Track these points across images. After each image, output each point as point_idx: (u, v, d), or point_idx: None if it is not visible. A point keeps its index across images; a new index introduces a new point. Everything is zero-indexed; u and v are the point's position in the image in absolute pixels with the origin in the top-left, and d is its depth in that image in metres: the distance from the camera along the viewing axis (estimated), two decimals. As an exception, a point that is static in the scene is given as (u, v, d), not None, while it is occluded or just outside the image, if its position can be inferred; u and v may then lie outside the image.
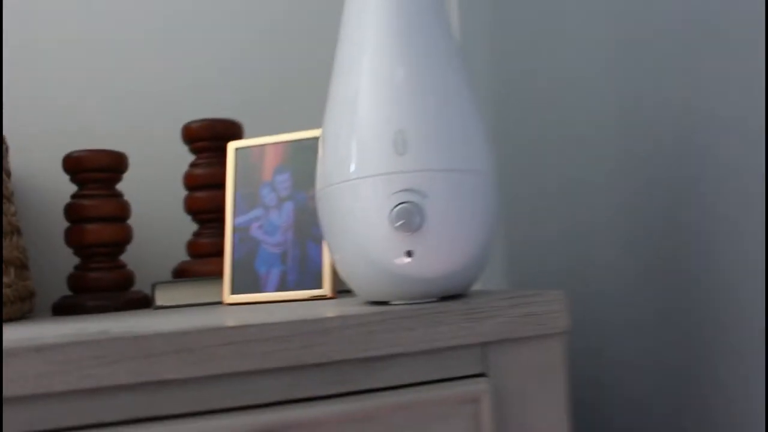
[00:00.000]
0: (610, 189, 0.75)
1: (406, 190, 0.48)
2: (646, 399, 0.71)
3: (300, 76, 1.10)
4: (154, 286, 0.77)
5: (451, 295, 0.53)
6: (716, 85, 0.60)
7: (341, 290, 0.78)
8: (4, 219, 0.73)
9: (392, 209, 0.48)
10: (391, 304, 0.53)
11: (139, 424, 0.43)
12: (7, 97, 0.95)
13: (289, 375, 0.46)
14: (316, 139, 0.74)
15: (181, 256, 0.85)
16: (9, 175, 0.79)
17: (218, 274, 0.79)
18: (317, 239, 0.71)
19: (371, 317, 0.47)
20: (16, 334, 0.50)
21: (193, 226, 0.84)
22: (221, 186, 0.82)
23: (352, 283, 0.55)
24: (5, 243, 0.72)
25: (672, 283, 0.66)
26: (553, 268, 0.89)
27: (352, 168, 0.50)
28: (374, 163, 0.49)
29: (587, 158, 0.79)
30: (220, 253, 0.81)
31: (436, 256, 0.49)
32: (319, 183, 0.54)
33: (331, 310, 0.52)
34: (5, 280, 0.71)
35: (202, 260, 0.82)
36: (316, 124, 0.90)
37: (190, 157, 0.83)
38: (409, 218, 0.47)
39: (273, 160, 0.75)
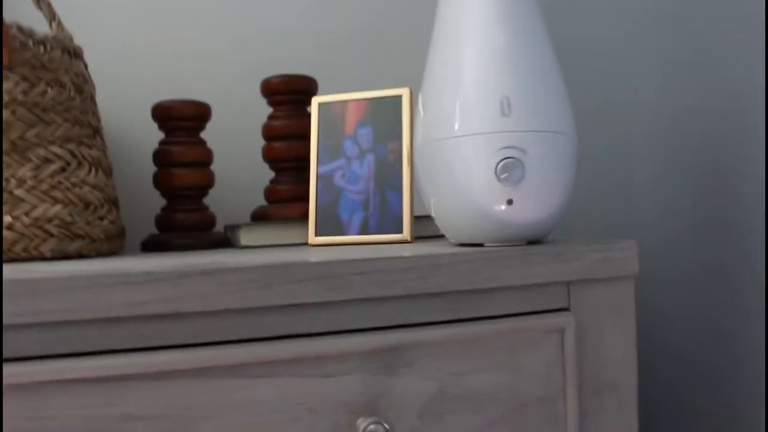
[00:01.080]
0: (654, 149, 0.82)
1: (510, 147, 0.55)
2: (689, 353, 0.79)
3: (376, 35, 1.17)
4: (234, 228, 0.85)
5: (535, 240, 0.61)
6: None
7: (418, 236, 0.85)
8: (105, 159, 0.80)
9: (498, 163, 0.55)
10: (486, 246, 0.60)
11: (285, 339, 0.51)
12: (101, 46, 1.01)
13: (409, 302, 0.54)
14: (396, 97, 0.81)
15: (259, 200, 0.92)
16: (99, 119, 0.86)
17: (296, 218, 0.87)
18: (396, 188, 0.78)
19: (476, 255, 0.55)
20: (141, 264, 0.58)
21: (270, 174, 0.91)
22: (298, 137, 0.89)
23: (448, 226, 0.62)
24: (108, 180, 0.80)
25: (719, 239, 0.73)
26: (601, 225, 0.97)
27: (458, 125, 0.57)
28: (482, 122, 0.56)
29: (633, 118, 0.86)
30: (296, 198, 0.89)
31: (532, 205, 0.56)
32: (422, 138, 0.61)
33: (438, 249, 0.60)
34: (109, 216, 0.78)
35: (279, 205, 0.89)
36: (387, 83, 0.96)
37: (269, 110, 0.90)
38: (513, 171, 0.55)
39: (355, 114, 0.82)
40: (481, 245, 0.61)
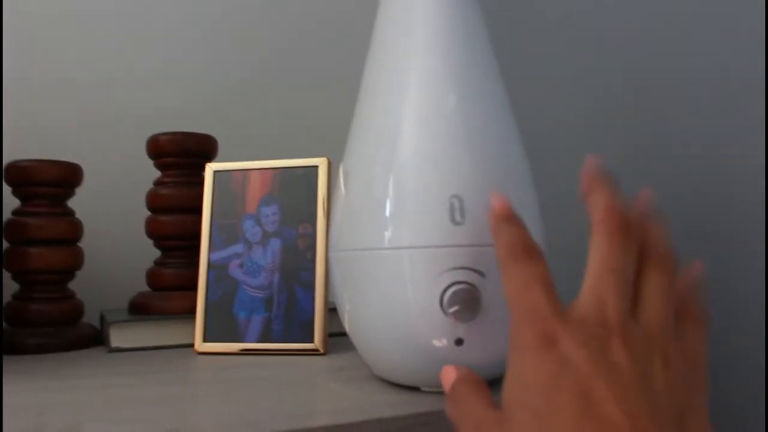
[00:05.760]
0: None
1: (462, 267, 0.40)
2: None
3: (289, 90, 1.01)
4: (105, 322, 0.67)
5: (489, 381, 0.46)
6: None
7: (332, 333, 0.68)
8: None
9: (444, 290, 0.40)
10: (423, 390, 0.45)
11: None
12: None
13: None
14: (310, 168, 0.65)
15: (138, 286, 0.75)
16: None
17: (184, 312, 0.69)
18: (307, 284, 0.62)
19: (413, 420, 0.39)
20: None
21: (153, 254, 0.74)
22: (190, 210, 0.72)
23: (371, 359, 0.47)
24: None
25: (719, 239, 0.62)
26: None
27: (391, 233, 0.42)
28: (424, 231, 0.41)
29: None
30: (185, 287, 0.71)
31: (489, 344, 0.41)
32: (341, 241, 0.46)
33: (355, 393, 0.44)
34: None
35: (163, 294, 0.72)
36: (307, 151, 0.80)
37: (155, 174, 0.73)
38: (466, 304, 0.39)
39: (259, 188, 0.66)
40: (416, 389, 0.45)
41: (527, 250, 0.35)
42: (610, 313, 0.32)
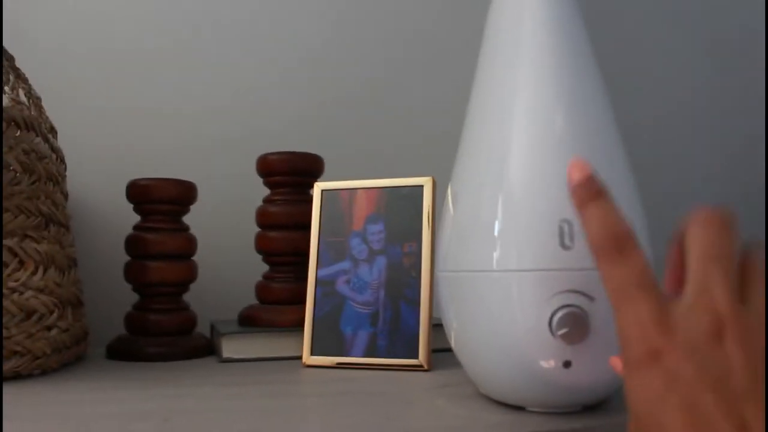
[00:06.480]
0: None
1: (571, 290, 0.40)
2: None
3: (396, 109, 1.04)
4: (217, 333, 0.70)
5: (594, 403, 0.46)
6: None
7: (435, 349, 0.68)
8: (62, 251, 0.66)
9: (553, 313, 0.40)
10: (529, 410, 0.45)
11: None
12: (71, 112, 0.88)
13: None
14: (416, 188, 0.66)
15: (248, 299, 0.78)
16: (67, 197, 0.72)
17: (291, 325, 0.72)
18: (412, 301, 0.64)
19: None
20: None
21: (261, 268, 0.77)
22: (298, 226, 0.74)
23: (477, 377, 0.47)
24: (63, 279, 0.65)
25: None
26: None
27: (500, 256, 0.42)
28: (532, 255, 0.41)
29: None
30: (293, 301, 0.74)
31: (597, 366, 0.41)
32: (448, 261, 0.47)
33: (460, 411, 0.44)
34: (60, 324, 0.64)
35: (271, 307, 0.75)
36: (406, 169, 0.81)
37: (265, 192, 0.76)
38: (575, 327, 0.40)
39: (365, 206, 0.68)
40: (522, 408, 0.46)
41: (619, 242, 0.34)
42: (720, 305, 0.30)
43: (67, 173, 0.73)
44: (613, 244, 0.34)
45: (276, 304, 0.75)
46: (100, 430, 0.41)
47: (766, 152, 0.48)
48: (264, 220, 0.77)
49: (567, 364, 0.41)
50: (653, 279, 0.33)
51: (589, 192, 0.36)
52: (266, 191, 0.79)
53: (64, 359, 0.65)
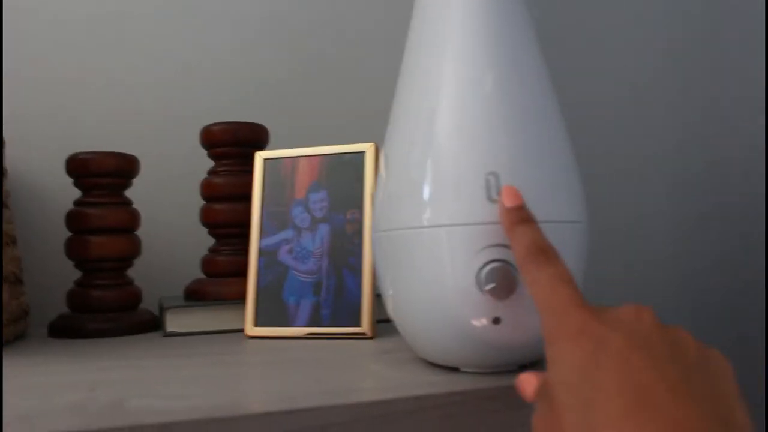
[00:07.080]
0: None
1: (498, 245, 0.40)
2: None
3: (340, 79, 1.02)
4: (163, 309, 0.69)
5: (530, 362, 0.45)
6: None
7: (379, 320, 0.68)
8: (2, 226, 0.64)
9: (481, 268, 0.39)
10: (463, 371, 0.44)
11: None
12: (8, 86, 0.85)
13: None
14: (357, 154, 0.65)
15: (195, 273, 0.77)
16: (5, 174, 0.70)
17: (237, 298, 0.71)
18: (355, 269, 0.63)
19: (449, 398, 0.39)
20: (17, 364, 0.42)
21: (209, 241, 0.76)
22: (243, 198, 0.73)
23: (413, 341, 0.47)
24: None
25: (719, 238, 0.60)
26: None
27: (429, 213, 0.42)
28: (460, 209, 0.40)
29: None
30: (239, 273, 0.73)
31: (526, 323, 0.41)
32: (381, 222, 0.46)
33: (384, 372, 0.44)
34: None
35: (219, 280, 0.73)
36: (356, 136, 0.80)
37: (209, 164, 0.75)
38: (503, 281, 0.39)
39: (307, 175, 0.67)
40: (456, 369, 0.45)
41: (545, 252, 0.36)
42: (642, 309, 0.32)
43: (4, 149, 0.71)
44: (540, 252, 0.36)
45: (222, 277, 0.74)
46: (20, 401, 0.40)
47: (766, 152, 0.49)
48: (209, 192, 0.76)
49: (496, 321, 0.40)
50: (575, 282, 0.35)
51: (519, 216, 0.38)
52: (212, 164, 0.77)
53: (5, 335, 0.63)
